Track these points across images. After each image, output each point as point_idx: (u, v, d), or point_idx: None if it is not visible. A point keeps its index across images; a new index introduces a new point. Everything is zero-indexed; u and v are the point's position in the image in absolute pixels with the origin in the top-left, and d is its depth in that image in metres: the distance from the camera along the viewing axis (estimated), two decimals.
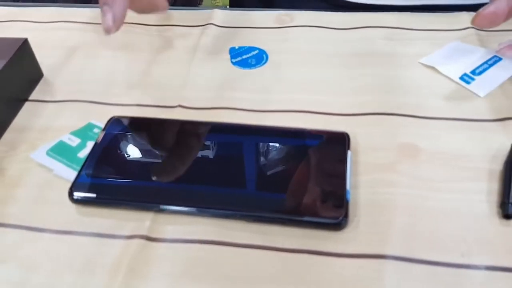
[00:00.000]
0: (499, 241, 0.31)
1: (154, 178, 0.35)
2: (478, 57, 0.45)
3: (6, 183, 0.37)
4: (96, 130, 0.41)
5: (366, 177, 0.36)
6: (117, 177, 0.36)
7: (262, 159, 0.36)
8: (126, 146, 0.38)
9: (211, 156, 0.37)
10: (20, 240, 0.33)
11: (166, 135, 0.39)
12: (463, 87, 0.43)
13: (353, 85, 0.44)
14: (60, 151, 0.39)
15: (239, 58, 0.48)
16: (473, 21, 0.41)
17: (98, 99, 0.44)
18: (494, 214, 0.33)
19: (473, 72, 0.43)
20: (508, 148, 0.36)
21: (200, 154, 0.37)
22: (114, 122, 0.40)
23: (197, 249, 0.32)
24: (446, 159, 0.36)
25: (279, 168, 0.35)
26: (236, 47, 0.49)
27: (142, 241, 0.33)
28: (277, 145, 0.37)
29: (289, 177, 0.34)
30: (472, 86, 0.42)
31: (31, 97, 0.45)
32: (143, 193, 0.35)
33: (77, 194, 0.34)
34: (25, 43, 0.44)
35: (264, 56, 0.48)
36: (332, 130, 0.38)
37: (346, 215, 0.32)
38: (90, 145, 0.39)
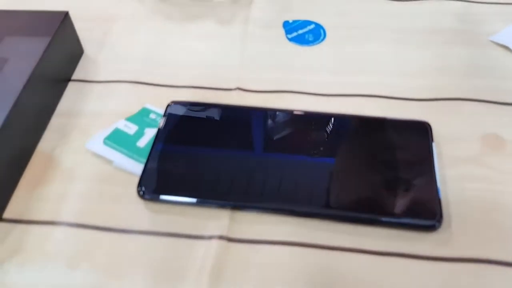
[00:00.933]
0: None
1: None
2: None
3: (63, 177, 0.34)
4: (153, 116, 0.38)
5: (452, 171, 0.34)
6: (189, 171, 0.33)
7: (345, 154, 0.34)
8: (194, 135, 0.35)
9: (290, 149, 0.34)
10: (89, 241, 0.31)
11: (237, 124, 0.36)
12: None
13: (423, 66, 0.41)
14: (118, 139, 0.36)
15: (294, 34, 0.44)
16: None
17: (146, 79, 0.41)
18: None
19: None
20: None
21: (278, 146, 0.35)
22: (174, 107, 0.37)
23: (281, 251, 0.30)
24: None
25: (363, 163, 0.33)
26: (290, 21, 0.46)
27: (223, 243, 0.31)
28: (360, 138, 0.35)
29: (373, 173, 0.32)
30: None
31: (74, 76, 0.42)
32: (219, 189, 0.32)
33: (148, 191, 0.32)
34: (66, 17, 0.40)
35: (322, 31, 0.45)
36: (411, 119, 0.36)
37: (441, 216, 0.30)
38: (148, 132, 0.37)
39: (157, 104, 0.38)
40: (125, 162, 0.35)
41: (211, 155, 0.34)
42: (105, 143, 0.36)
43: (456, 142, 0.35)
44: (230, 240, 0.31)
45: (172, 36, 0.45)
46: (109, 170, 0.35)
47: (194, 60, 0.43)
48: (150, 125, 0.37)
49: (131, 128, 0.37)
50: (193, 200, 0.32)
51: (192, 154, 0.34)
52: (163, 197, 0.32)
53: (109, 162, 0.35)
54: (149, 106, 0.38)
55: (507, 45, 0.42)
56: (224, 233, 0.31)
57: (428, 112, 0.37)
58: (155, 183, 0.33)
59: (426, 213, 0.30)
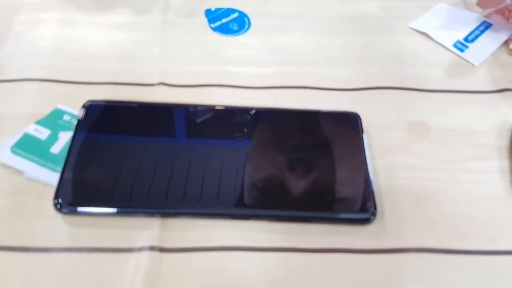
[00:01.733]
0: None
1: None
2: (468, 22, 0.44)
3: None
4: (67, 118, 0.35)
5: (382, 161, 0.34)
6: (111, 179, 0.31)
7: (272, 150, 0.33)
8: (114, 138, 0.33)
9: (217, 147, 0.33)
10: (2, 265, 0.28)
11: (159, 123, 0.34)
12: (458, 55, 0.42)
13: (348, 55, 0.41)
14: (28, 146, 0.33)
15: (218, 23, 0.43)
16: None
17: (57, 76, 0.38)
18: (510, 193, 0.33)
19: (465, 39, 0.43)
20: (511, 123, 0.37)
21: (204, 143, 0.33)
22: (91, 107, 0.34)
23: (219, 257, 0.29)
24: (456, 137, 0.36)
25: (294, 159, 0.33)
26: (213, 9, 0.44)
27: (155, 254, 0.29)
28: (289, 132, 0.34)
29: (305, 169, 0.32)
30: (466, 55, 0.42)
31: None
32: (145, 195, 0.30)
33: (66, 203, 0.29)
34: None
35: (246, 20, 0.43)
36: (341, 110, 0.36)
37: (375, 208, 0.30)
38: (63, 137, 0.33)
39: (71, 104, 0.35)
40: (38, 171, 0.32)
41: (133, 159, 0.32)
42: (12, 151, 0.32)
43: (384, 131, 0.36)
44: (162, 250, 0.29)
45: (83, 27, 0.41)
46: (19, 182, 0.31)
47: (110, 53, 0.39)
48: (64, 128, 0.34)
49: (43, 133, 0.33)
50: (117, 210, 0.30)
51: (112, 159, 0.32)
52: (83, 209, 0.30)
53: (19, 172, 0.32)
54: (62, 106, 0.35)
55: (426, 32, 0.43)
56: (155, 243, 0.29)
57: (356, 102, 0.37)
58: (74, 193, 0.30)
59: (360, 207, 0.31)
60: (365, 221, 0.30)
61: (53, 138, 0.33)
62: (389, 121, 0.37)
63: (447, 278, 0.29)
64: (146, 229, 0.30)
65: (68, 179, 0.30)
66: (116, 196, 0.30)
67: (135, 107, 0.35)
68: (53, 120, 0.34)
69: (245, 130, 0.34)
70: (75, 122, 0.34)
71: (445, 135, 0.36)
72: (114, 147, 0.32)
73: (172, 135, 0.33)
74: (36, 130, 0.33)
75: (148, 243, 0.29)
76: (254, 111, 0.35)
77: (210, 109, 0.35)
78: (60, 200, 0.29)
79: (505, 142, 0.36)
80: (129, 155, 0.32)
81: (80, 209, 0.30)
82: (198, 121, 0.34)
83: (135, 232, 0.30)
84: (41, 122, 0.34)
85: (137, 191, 0.30)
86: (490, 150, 0.35)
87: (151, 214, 0.30)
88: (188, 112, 0.35)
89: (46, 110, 0.35)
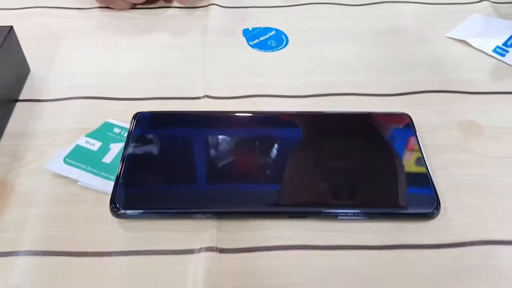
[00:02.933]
0: None
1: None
2: (505, 29, 0.45)
3: (21, 203, 0.31)
4: (117, 130, 0.35)
5: (438, 159, 0.34)
6: (165, 183, 0.31)
7: (330, 150, 0.33)
8: (165, 144, 0.33)
9: (270, 150, 0.33)
10: (61, 268, 0.28)
11: (208, 130, 0.34)
12: (499, 59, 0.42)
13: (388, 63, 0.42)
14: (80, 157, 0.33)
15: (256, 40, 0.44)
16: None
17: (104, 93, 0.39)
18: None
19: (505, 44, 0.43)
20: None
21: (256, 147, 0.33)
22: (141, 118, 0.35)
23: (279, 256, 0.29)
24: (510, 134, 0.36)
25: (352, 159, 0.33)
26: (250, 29, 0.45)
27: (214, 254, 0.28)
28: (342, 133, 0.34)
29: (369, 169, 0.32)
30: (507, 59, 0.42)
31: (22, 96, 0.38)
32: (200, 198, 0.30)
33: (123, 207, 0.29)
34: (11, 32, 0.37)
35: (284, 36, 0.44)
36: (391, 111, 0.36)
37: (438, 202, 0.30)
38: (114, 148, 0.34)
39: (120, 119, 0.36)
40: (92, 180, 0.32)
41: (186, 163, 0.32)
42: (66, 162, 0.33)
43: (435, 131, 0.36)
44: (222, 251, 0.29)
45: (125, 49, 0.43)
46: (74, 191, 0.32)
47: (154, 71, 0.41)
48: (115, 140, 0.34)
49: (94, 145, 0.34)
50: (174, 212, 0.30)
51: (166, 164, 0.32)
52: (139, 212, 0.30)
53: (74, 181, 0.32)
54: (111, 120, 0.36)
55: (465, 39, 0.44)
56: (213, 243, 0.29)
57: (402, 106, 0.38)
58: (129, 197, 0.30)
59: (423, 201, 0.30)
60: (429, 215, 0.30)
61: (104, 149, 0.34)
62: (439, 122, 0.37)
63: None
64: (204, 231, 0.29)
65: (123, 184, 0.30)
66: (172, 199, 0.30)
67: (184, 115, 0.35)
68: (103, 133, 0.35)
69: (304, 138, 0.34)
70: (125, 134, 0.34)
71: (498, 132, 0.36)
72: (166, 152, 0.33)
73: (223, 144, 0.34)
74: (87, 142, 0.34)
75: (206, 244, 0.29)
76: (305, 115, 0.35)
77: (262, 114, 0.35)
78: (117, 204, 0.29)
79: None
80: (182, 161, 0.32)
81: (136, 212, 0.30)
82: (249, 128, 0.34)
83: (193, 234, 0.29)
84: (91, 135, 0.35)
85: (192, 193, 0.30)
86: None
87: (206, 215, 0.30)
88: (237, 119, 0.35)
89: (93, 126, 0.35)
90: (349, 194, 0.30)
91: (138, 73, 0.40)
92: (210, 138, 0.34)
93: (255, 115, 0.35)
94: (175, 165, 0.32)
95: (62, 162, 0.33)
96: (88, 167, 0.33)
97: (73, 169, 0.32)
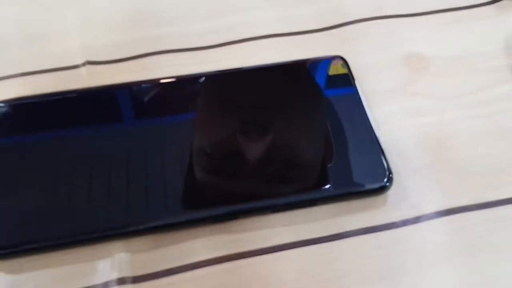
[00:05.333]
0: None
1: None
2: None
3: None
4: None
5: (381, 110, 0.29)
6: (47, 200, 0.24)
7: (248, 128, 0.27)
8: (32, 152, 0.26)
9: (176, 139, 0.27)
10: None
11: (92, 116, 0.27)
12: None
13: None
14: None
15: None
16: None
17: None
18: None
19: None
20: None
21: (158, 138, 0.27)
22: None
23: (214, 272, 0.23)
24: (462, 64, 0.31)
25: (278, 134, 0.27)
26: None
27: (127, 287, 0.23)
28: (261, 98, 0.28)
29: (293, 142, 0.26)
30: None
31: None
32: (97, 213, 0.24)
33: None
34: None
35: None
36: (319, 57, 0.30)
37: (390, 172, 0.25)
38: None
39: None
40: None
41: (68, 169, 0.25)
42: None
43: (376, 73, 0.31)
44: (136, 280, 0.23)
45: None
46: None
47: (9, 34, 0.32)
48: None
49: None
50: (64, 240, 0.23)
51: (40, 175, 0.25)
52: (21, 248, 0.23)
53: None
54: None
55: None
56: (123, 272, 0.23)
57: (332, 44, 0.32)
58: (6, 232, 0.23)
59: (372, 174, 0.25)
60: (380, 190, 0.25)
61: None
62: (379, 60, 0.31)
63: (492, 237, 0.25)
64: (108, 256, 0.24)
65: None
66: (59, 222, 0.24)
67: (58, 101, 0.28)
68: None
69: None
70: None
71: (449, 64, 0.31)
72: (38, 157, 0.25)
73: (117, 133, 0.27)
74: None
75: (115, 275, 0.23)
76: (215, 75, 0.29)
77: (163, 84, 0.28)
78: None
79: None
80: (60, 164, 0.25)
81: (17, 249, 0.23)
82: (143, 100, 0.28)
83: (94, 263, 0.23)
84: None
85: (85, 210, 0.24)
86: (502, 72, 0.31)
87: (110, 236, 0.24)
88: (132, 94, 0.28)
89: None
90: (280, 180, 0.25)
91: None
92: (96, 128, 0.27)
93: (148, 85, 0.28)
94: (53, 173, 0.25)
95: None
96: None
97: None
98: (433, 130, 0.28)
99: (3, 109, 0.27)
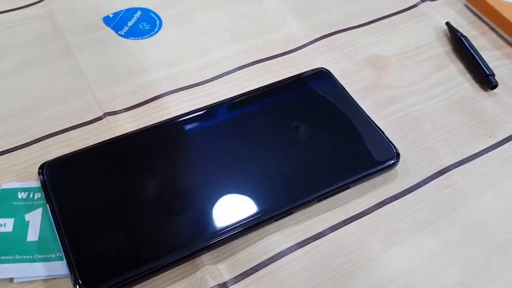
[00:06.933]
0: (502, 111, 0.36)
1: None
2: None
3: None
4: (22, 195, 0.29)
5: (366, 103, 0.35)
6: (130, 234, 0.27)
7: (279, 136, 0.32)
8: (101, 189, 0.28)
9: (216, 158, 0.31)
10: None
11: (139, 156, 0.30)
12: None
13: (281, 15, 0.41)
14: None
15: (125, 28, 0.39)
16: None
17: None
18: (478, 89, 0.37)
19: None
20: (445, 27, 0.41)
21: (200, 158, 0.30)
22: (50, 169, 0.29)
23: (287, 265, 0.28)
24: (410, 57, 0.39)
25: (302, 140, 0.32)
26: (110, 15, 0.39)
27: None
28: (271, 118, 0.33)
29: (314, 144, 0.32)
30: None
31: None
32: (181, 236, 0.27)
33: (96, 284, 0.25)
34: None
35: (154, 16, 0.40)
36: (306, 72, 0.36)
37: (396, 149, 0.32)
38: (33, 218, 0.28)
39: (15, 179, 0.29)
40: (30, 270, 0.26)
41: (139, 203, 0.28)
42: None
43: (350, 77, 0.37)
44: (223, 286, 0.27)
45: None
46: None
47: (25, 105, 0.33)
48: (28, 208, 0.28)
49: (6, 225, 0.27)
50: (152, 267, 0.26)
51: (116, 211, 0.28)
52: (120, 281, 0.25)
53: (6, 282, 0.26)
54: (7, 185, 0.29)
55: None
56: (217, 280, 0.27)
57: (308, 58, 0.38)
58: (99, 269, 0.25)
59: (383, 154, 0.31)
60: (393, 165, 0.31)
61: (22, 225, 0.28)
62: (347, 66, 0.38)
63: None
64: (197, 271, 0.27)
65: (80, 257, 0.25)
66: (144, 251, 0.26)
67: (100, 150, 0.30)
68: (6, 204, 0.28)
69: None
70: (37, 195, 0.28)
71: (402, 58, 0.39)
72: (106, 199, 0.28)
73: (161, 165, 0.30)
74: None
75: (210, 285, 0.26)
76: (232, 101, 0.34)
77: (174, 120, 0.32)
78: (86, 284, 0.25)
79: (448, 47, 0.40)
80: (131, 200, 0.28)
81: (115, 282, 0.25)
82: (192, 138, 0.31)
83: (195, 275, 0.27)
84: None
85: (164, 236, 0.27)
86: (441, 58, 0.39)
87: (193, 253, 0.27)
88: (152, 135, 0.31)
89: None
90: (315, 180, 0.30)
91: (5, 115, 0.33)
92: (146, 165, 0.30)
93: (171, 122, 0.32)
94: (127, 208, 0.28)
95: None
96: (16, 256, 0.26)
97: None
98: (411, 111, 0.35)
99: (60, 162, 0.29)
